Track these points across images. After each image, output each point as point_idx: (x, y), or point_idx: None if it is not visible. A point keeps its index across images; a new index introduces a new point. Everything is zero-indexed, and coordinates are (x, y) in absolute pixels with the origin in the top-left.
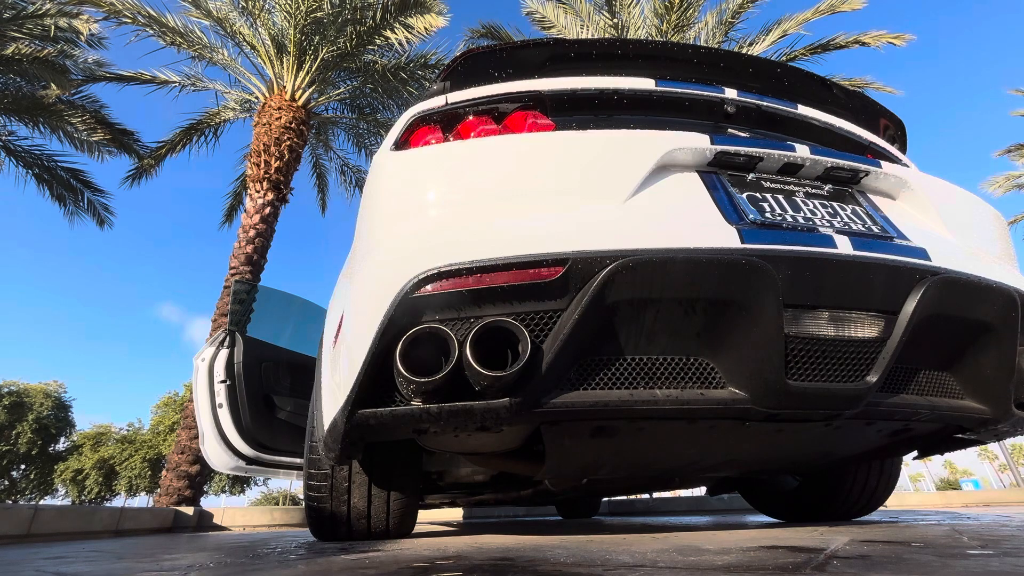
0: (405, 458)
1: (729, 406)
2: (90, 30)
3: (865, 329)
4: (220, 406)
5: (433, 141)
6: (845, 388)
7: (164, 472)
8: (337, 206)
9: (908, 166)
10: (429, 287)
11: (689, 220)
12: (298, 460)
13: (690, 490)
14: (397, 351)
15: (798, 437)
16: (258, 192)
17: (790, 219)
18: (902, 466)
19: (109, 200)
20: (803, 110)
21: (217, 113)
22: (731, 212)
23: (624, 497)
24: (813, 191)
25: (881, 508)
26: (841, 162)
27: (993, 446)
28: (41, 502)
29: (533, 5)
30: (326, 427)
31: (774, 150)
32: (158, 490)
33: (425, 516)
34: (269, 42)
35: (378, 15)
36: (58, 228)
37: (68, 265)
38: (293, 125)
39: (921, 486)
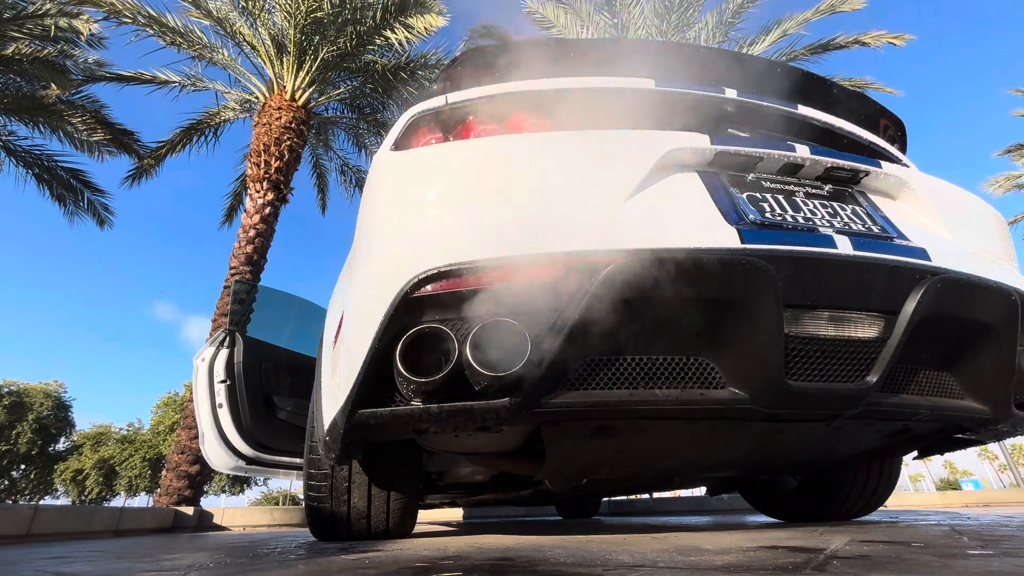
0: (405, 458)
1: (729, 406)
2: (90, 30)
3: (865, 329)
4: (220, 406)
5: (433, 141)
6: (845, 388)
7: (164, 472)
8: (337, 206)
9: (908, 166)
10: (429, 287)
11: (689, 220)
12: (298, 460)
13: (690, 490)
14: (397, 351)
15: (798, 437)
16: (258, 192)
17: (790, 219)
18: (902, 466)
19: (109, 200)
20: (803, 110)
21: (217, 113)
22: (731, 212)
23: (624, 497)
24: (813, 191)
25: (881, 508)
26: (841, 162)
27: (993, 446)
28: (41, 502)
29: (533, 5)
30: (326, 427)
31: (774, 150)
32: (158, 490)
33: (425, 516)
34: (269, 42)
35: (378, 15)
36: (57, 228)
37: (67, 264)
38: (293, 125)
39: (921, 486)
